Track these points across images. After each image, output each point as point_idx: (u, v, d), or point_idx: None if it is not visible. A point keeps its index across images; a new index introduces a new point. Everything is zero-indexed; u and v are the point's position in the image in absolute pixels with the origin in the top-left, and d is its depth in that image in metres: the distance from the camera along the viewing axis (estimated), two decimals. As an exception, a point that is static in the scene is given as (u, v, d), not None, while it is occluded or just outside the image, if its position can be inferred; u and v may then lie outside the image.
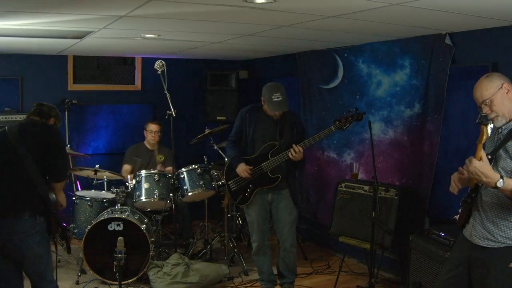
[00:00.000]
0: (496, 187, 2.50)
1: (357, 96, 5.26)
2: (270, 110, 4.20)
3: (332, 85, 5.60)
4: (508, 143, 2.61)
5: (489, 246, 2.67)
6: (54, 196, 3.25)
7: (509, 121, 2.65)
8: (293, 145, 4.07)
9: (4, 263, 3.19)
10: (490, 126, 2.53)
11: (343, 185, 4.86)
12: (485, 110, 2.63)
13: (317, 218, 5.93)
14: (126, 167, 5.80)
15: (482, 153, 2.50)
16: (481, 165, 2.48)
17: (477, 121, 2.55)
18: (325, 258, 5.56)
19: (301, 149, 4.06)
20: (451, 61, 4.24)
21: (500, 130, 2.69)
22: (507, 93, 2.63)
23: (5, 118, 5.83)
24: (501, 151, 2.63)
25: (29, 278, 3.30)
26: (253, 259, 4.57)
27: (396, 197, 4.43)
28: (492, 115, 2.65)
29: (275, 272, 4.58)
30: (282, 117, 4.27)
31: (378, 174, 4.29)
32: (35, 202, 3.17)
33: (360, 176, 5.11)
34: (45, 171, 3.23)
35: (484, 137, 2.51)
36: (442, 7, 3.21)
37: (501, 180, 2.47)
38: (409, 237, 4.07)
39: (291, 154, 4.06)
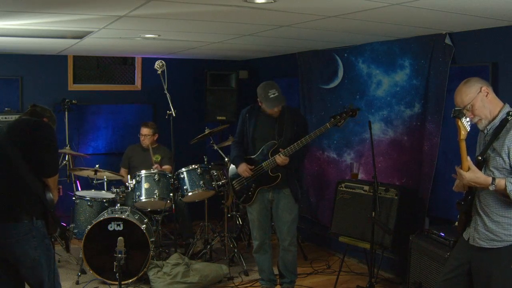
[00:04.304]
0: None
1: (357, 96, 5.26)
2: (269, 107, 4.21)
3: (332, 85, 5.60)
4: (495, 142, 2.67)
5: (494, 247, 2.69)
6: (50, 195, 3.15)
7: (492, 120, 2.72)
8: (276, 155, 4.13)
9: (3, 271, 3.08)
10: (467, 120, 2.61)
11: (343, 185, 4.86)
12: (468, 114, 2.69)
13: (317, 218, 5.93)
14: (122, 171, 5.88)
15: (469, 162, 2.61)
16: (471, 176, 2.61)
17: (451, 115, 2.63)
18: (325, 258, 5.56)
19: (282, 157, 4.11)
20: (451, 61, 4.24)
21: (486, 132, 2.76)
22: (486, 96, 2.72)
23: (5, 118, 5.82)
24: (489, 152, 2.69)
25: (29, 285, 3.17)
26: (253, 257, 4.58)
27: (396, 197, 4.43)
28: (476, 119, 2.74)
29: (276, 272, 4.59)
30: (281, 115, 4.28)
31: (378, 174, 4.29)
32: (32, 204, 3.06)
33: (360, 176, 5.11)
34: (35, 167, 3.09)
35: (463, 132, 2.59)
36: (442, 7, 3.22)
37: (493, 185, 2.58)
38: (409, 237, 4.07)
39: (277, 159, 4.14)
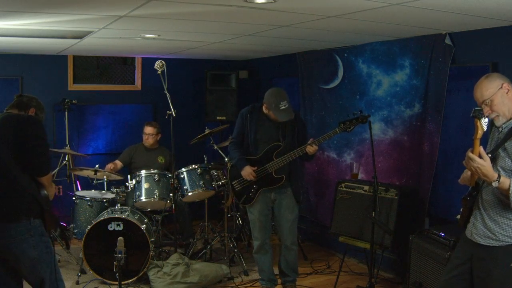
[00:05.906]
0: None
1: (357, 96, 5.27)
2: (278, 119, 4.17)
3: (332, 85, 5.60)
4: (507, 142, 2.63)
5: (490, 245, 2.68)
6: (45, 192, 3.10)
7: (509, 119, 2.68)
8: (307, 145, 4.12)
9: (2, 269, 3.08)
10: (485, 120, 2.56)
11: (343, 185, 4.85)
12: (486, 110, 2.65)
13: (317, 218, 5.93)
14: (116, 162, 5.78)
15: (481, 150, 2.55)
16: (482, 164, 2.54)
17: (471, 115, 2.58)
18: (325, 258, 5.56)
19: (314, 146, 4.12)
20: (451, 61, 4.24)
21: (500, 129, 2.72)
22: (507, 93, 2.67)
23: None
24: (500, 150, 2.66)
25: (30, 283, 3.17)
26: (254, 257, 4.58)
27: (396, 197, 4.43)
28: (493, 115, 2.68)
29: (276, 272, 4.59)
30: None
31: (378, 174, 4.29)
32: (28, 204, 3.03)
33: (360, 176, 5.11)
34: (27, 167, 3.03)
35: (480, 132, 2.54)
36: (442, 7, 3.22)
37: (497, 181, 2.55)
38: (409, 237, 4.07)
39: (308, 149, 4.11)
